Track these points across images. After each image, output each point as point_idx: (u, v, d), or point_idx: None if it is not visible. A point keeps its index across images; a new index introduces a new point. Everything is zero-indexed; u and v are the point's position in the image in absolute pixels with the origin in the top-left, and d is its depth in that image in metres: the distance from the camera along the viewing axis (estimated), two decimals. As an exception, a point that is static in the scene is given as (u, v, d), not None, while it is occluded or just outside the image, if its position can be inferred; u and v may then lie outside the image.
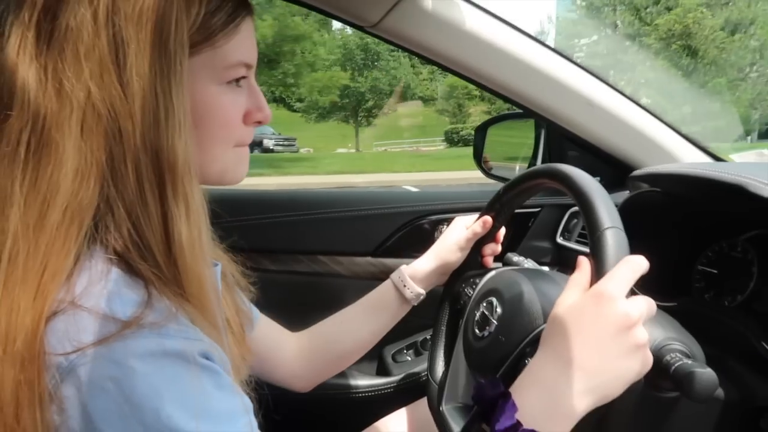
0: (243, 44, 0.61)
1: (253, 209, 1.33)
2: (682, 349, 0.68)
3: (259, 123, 0.67)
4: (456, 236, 0.96)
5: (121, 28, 0.51)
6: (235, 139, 0.64)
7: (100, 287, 0.50)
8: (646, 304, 0.60)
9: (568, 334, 0.59)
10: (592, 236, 0.62)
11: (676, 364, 0.61)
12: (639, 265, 0.60)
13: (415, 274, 0.96)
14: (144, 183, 0.52)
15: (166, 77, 0.52)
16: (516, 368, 0.71)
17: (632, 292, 0.60)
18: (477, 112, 39.18)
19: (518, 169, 1.69)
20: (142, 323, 0.48)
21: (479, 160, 1.64)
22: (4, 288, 0.48)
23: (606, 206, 0.64)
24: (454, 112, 43.38)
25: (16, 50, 0.51)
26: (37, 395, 0.47)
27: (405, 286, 0.95)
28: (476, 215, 0.97)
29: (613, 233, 0.61)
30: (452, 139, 35.66)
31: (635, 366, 0.58)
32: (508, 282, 0.81)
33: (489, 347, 0.76)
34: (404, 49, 1.07)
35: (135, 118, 0.51)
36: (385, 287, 0.98)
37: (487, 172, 1.64)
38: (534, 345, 0.70)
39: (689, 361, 0.61)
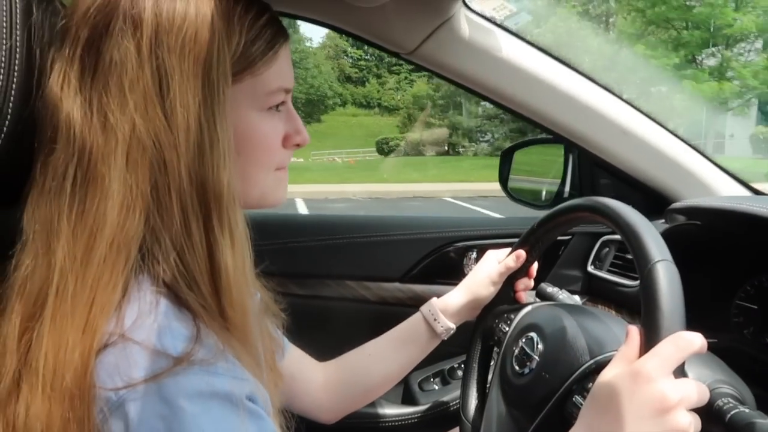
0: (282, 70, 0.61)
1: (281, 233, 1.33)
2: (734, 393, 0.66)
3: (298, 146, 0.67)
4: (488, 270, 0.95)
5: (164, 60, 0.51)
6: (275, 164, 0.64)
7: (151, 320, 0.50)
8: (691, 388, 0.55)
9: (604, 410, 0.56)
10: (642, 270, 0.61)
11: (731, 412, 0.59)
12: (689, 343, 0.55)
13: (447, 308, 0.95)
14: (189, 213, 0.52)
15: (209, 107, 0.53)
16: (562, 406, 0.69)
17: (681, 371, 0.56)
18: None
19: (544, 194, 1.67)
20: (192, 360, 0.48)
21: (504, 184, 1.63)
22: (52, 323, 0.48)
23: (654, 239, 0.62)
24: (404, 122, 43.98)
25: (60, 85, 0.52)
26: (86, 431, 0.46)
27: (436, 320, 0.94)
28: (508, 249, 0.96)
29: (663, 266, 0.59)
30: (383, 149, 35.74)
31: None
32: (548, 317, 0.80)
33: (531, 384, 0.74)
34: (439, 76, 1.07)
35: (180, 149, 0.52)
36: (416, 320, 0.97)
37: (514, 197, 1.62)
38: (580, 382, 0.69)
39: (745, 409, 0.59)
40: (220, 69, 0.54)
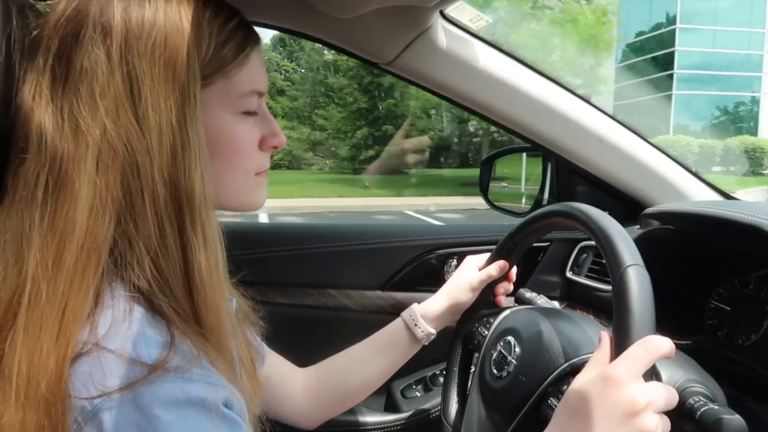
0: (254, 72, 0.62)
1: (263, 242, 1.33)
2: (704, 391, 0.68)
3: (275, 148, 0.68)
4: (468, 276, 0.96)
5: (135, 66, 0.52)
6: (253, 167, 0.65)
7: (125, 328, 0.50)
8: (659, 391, 0.56)
9: (574, 414, 0.57)
10: (613, 275, 0.62)
11: (701, 409, 0.60)
12: (657, 347, 0.56)
13: (427, 313, 0.95)
14: (162, 216, 0.53)
15: (181, 110, 0.54)
16: (538, 409, 0.70)
17: (651, 374, 0.57)
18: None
19: (524, 201, 1.69)
20: (167, 367, 0.48)
21: (485, 192, 1.65)
22: (25, 331, 0.48)
23: (626, 244, 0.64)
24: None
25: (32, 95, 0.52)
26: None
27: (416, 325, 0.94)
28: (487, 255, 0.97)
29: (634, 271, 0.60)
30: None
31: None
32: (525, 321, 0.81)
33: (509, 387, 0.75)
34: (418, 85, 1.08)
35: (152, 152, 0.52)
36: (396, 326, 0.97)
37: (493, 205, 1.64)
38: (555, 385, 0.70)
39: (715, 406, 0.61)
40: (190, 72, 0.54)
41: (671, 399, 0.57)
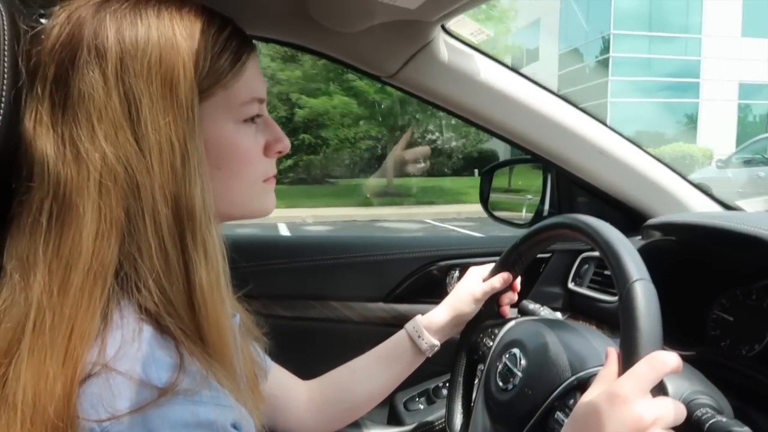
0: (252, 80, 0.62)
1: (265, 255, 1.33)
2: (711, 403, 0.68)
3: (280, 153, 0.67)
4: (471, 288, 0.95)
5: (131, 85, 0.52)
6: (259, 174, 0.65)
7: (134, 349, 0.49)
8: (667, 407, 0.56)
9: (581, 430, 0.57)
10: (620, 289, 0.62)
11: (710, 422, 0.60)
12: (664, 364, 0.55)
13: (430, 325, 0.95)
14: (164, 234, 0.53)
15: (180, 126, 0.54)
16: (544, 422, 0.70)
17: (659, 389, 0.56)
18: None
19: (524, 212, 1.69)
20: (176, 390, 0.48)
21: (485, 203, 1.65)
22: (29, 357, 0.48)
23: (632, 258, 0.63)
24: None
25: (33, 124, 0.52)
26: None
27: (420, 337, 0.94)
28: (491, 266, 0.97)
29: (641, 285, 0.60)
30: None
31: None
32: (531, 333, 0.81)
33: (515, 400, 0.75)
34: (418, 98, 1.09)
35: (152, 171, 0.52)
36: (400, 338, 0.96)
37: (494, 216, 1.64)
38: (562, 399, 0.70)
39: (723, 418, 0.60)
40: (188, 87, 0.54)
41: (679, 414, 0.57)
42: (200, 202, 0.54)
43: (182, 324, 0.53)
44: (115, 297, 0.52)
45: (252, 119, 0.63)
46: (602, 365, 0.69)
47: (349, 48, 0.99)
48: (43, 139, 0.52)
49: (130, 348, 0.49)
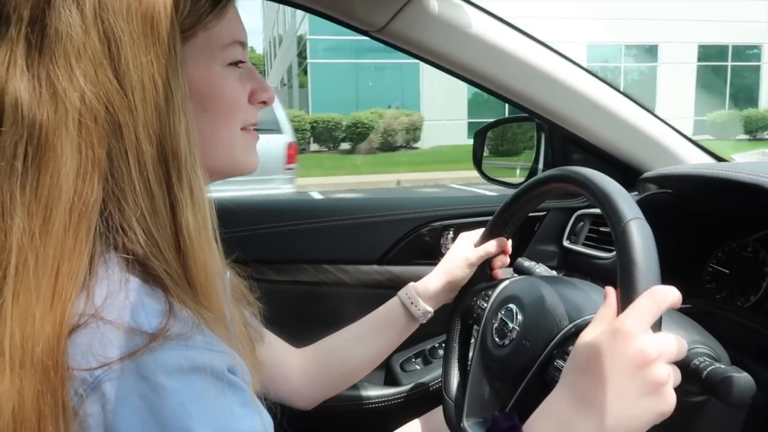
0: (233, 22, 0.61)
1: (256, 219, 1.31)
2: (708, 352, 0.67)
3: (264, 103, 0.67)
4: (464, 253, 0.94)
5: (111, 24, 0.51)
6: (242, 119, 0.64)
7: (122, 298, 0.49)
8: (670, 341, 0.56)
9: (585, 370, 0.57)
10: (615, 230, 0.61)
11: (707, 369, 0.60)
12: (664, 297, 0.55)
13: (425, 291, 0.94)
14: (149, 174, 0.52)
15: (162, 65, 0.52)
16: (544, 372, 0.69)
17: (659, 326, 0.56)
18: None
19: (518, 172, 1.68)
20: (168, 335, 0.48)
21: (479, 164, 1.63)
22: (14, 301, 0.47)
23: (626, 200, 0.63)
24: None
25: (6, 67, 0.51)
26: (60, 407, 0.45)
27: (413, 303, 0.93)
28: (481, 230, 0.96)
29: (636, 224, 0.60)
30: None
31: (656, 406, 0.54)
32: (526, 288, 0.80)
33: (512, 354, 0.74)
34: (408, 53, 1.06)
35: (135, 111, 0.51)
36: (393, 304, 0.96)
37: (488, 177, 1.63)
38: (561, 346, 0.69)
39: (721, 365, 0.60)
40: (168, 25, 0.53)
41: (681, 349, 0.57)
42: (185, 141, 0.53)
43: (169, 268, 0.52)
44: (100, 247, 0.50)
45: (236, 64, 0.62)
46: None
47: (334, 1, 0.95)
48: (17, 80, 0.50)
49: (117, 297, 0.48)
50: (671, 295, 0.56)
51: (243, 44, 0.63)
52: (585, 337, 0.59)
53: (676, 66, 20.52)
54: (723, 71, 21.55)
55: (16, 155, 0.49)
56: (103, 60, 0.50)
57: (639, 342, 0.54)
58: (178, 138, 0.53)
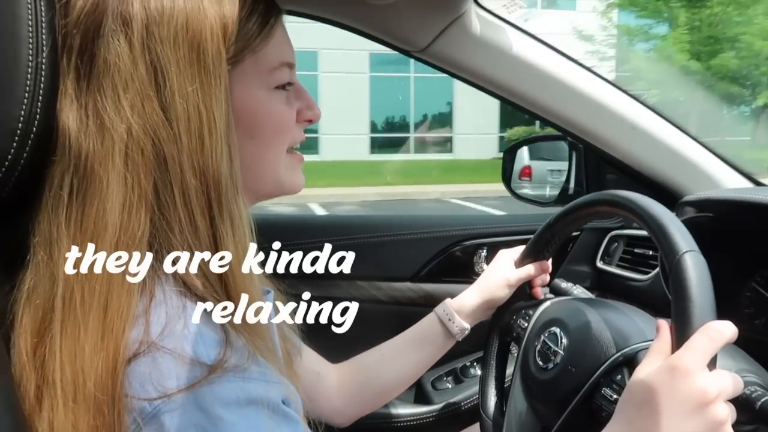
0: (281, 44, 0.61)
1: (292, 234, 1.32)
2: (759, 381, 0.67)
3: (310, 121, 0.67)
4: (504, 273, 0.94)
5: (158, 53, 0.51)
6: (289, 141, 0.64)
7: (180, 326, 0.49)
8: (727, 379, 0.55)
9: (642, 406, 0.56)
10: (670, 262, 0.61)
11: (762, 399, 0.59)
12: (721, 334, 0.55)
13: (461, 308, 0.94)
14: (193, 206, 0.52)
15: (207, 93, 0.52)
16: (590, 399, 0.69)
17: (714, 362, 0.55)
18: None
19: (548, 190, 1.68)
20: (226, 367, 0.48)
21: (508, 182, 1.63)
22: (63, 334, 0.47)
23: (680, 230, 0.62)
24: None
25: (57, 97, 0.51)
26: None
27: (451, 320, 0.93)
28: (521, 248, 0.96)
29: (691, 257, 0.59)
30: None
31: None
32: (570, 311, 0.80)
33: (557, 378, 0.74)
34: (449, 73, 1.07)
35: (180, 142, 0.51)
36: (430, 321, 0.95)
37: (517, 195, 1.62)
38: (608, 375, 0.69)
39: None
40: (215, 52, 0.53)
41: (738, 386, 0.56)
42: (227, 171, 0.53)
43: (219, 298, 0.52)
44: (153, 272, 0.51)
45: (284, 87, 0.62)
46: (647, 341, 0.68)
47: (379, 21, 0.96)
48: (66, 111, 0.51)
49: (176, 325, 0.49)
50: (728, 331, 0.55)
51: (291, 65, 0.63)
52: (641, 371, 0.58)
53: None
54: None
55: (63, 186, 0.50)
56: (150, 91, 0.51)
57: (699, 381, 0.53)
58: (219, 168, 0.53)
